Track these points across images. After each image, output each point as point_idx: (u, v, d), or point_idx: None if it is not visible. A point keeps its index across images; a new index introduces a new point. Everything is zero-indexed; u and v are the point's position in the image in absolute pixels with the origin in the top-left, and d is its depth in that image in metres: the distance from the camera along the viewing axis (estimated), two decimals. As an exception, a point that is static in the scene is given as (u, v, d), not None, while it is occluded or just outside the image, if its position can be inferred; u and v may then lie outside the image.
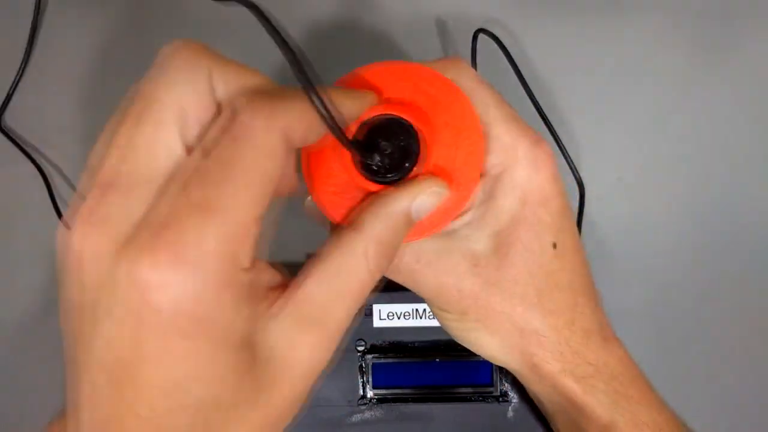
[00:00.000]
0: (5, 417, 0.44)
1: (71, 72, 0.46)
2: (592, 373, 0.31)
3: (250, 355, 0.21)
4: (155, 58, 0.21)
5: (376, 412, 0.40)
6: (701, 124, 0.46)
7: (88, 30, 0.46)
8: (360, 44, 0.46)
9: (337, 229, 0.24)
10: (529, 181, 0.28)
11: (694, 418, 0.44)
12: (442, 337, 0.40)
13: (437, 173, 0.25)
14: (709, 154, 0.46)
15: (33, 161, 0.44)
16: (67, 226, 0.20)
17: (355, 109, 0.24)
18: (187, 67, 0.20)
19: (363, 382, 0.40)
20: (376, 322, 0.40)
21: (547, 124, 0.39)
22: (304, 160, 0.26)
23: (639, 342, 0.44)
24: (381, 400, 0.40)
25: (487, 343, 0.31)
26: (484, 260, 0.29)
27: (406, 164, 0.25)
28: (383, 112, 0.24)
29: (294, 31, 0.46)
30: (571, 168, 0.39)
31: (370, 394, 0.40)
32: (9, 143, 0.45)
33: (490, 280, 0.29)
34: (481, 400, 0.40)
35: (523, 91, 0.39)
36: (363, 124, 0.24)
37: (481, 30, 0.41)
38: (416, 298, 0.40)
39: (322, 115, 0.20)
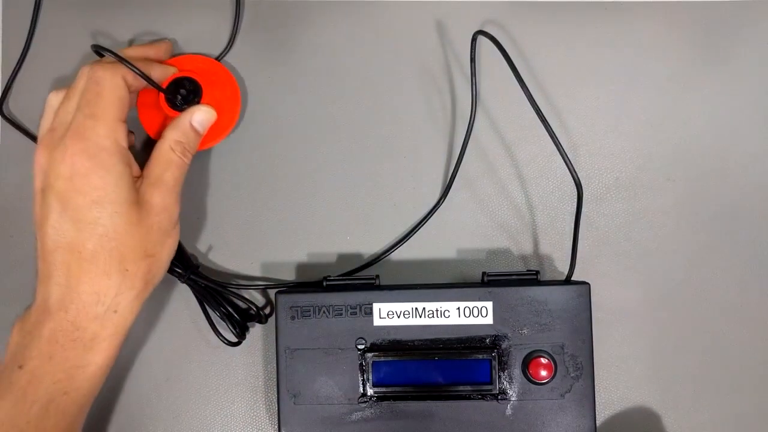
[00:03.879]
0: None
1: (69, 62, 0.46)
2: None
3: (135, 195, 0.39)
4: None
5: (376, 410, 0.40)
6: (697, 125, 0.46)
7: (85, 22, 0.47)
8: (360, 45, 0.46)
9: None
10: None
11: (694, 417, 0.45)
12: (442, 336, 0.40)
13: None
14: (706, 155, 0.46)
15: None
16: None
17: (163, 74, 0.43)
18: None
19: (363, 380, 0.40)
20: (376, 321, 0.40)
21: (545, 125, 0.39)
22: (138, 107, 0.45)
23: (638, 342, 0.45)
24: (381, 398, 0.40)
25: None
26: None
27: (194, 101, 0.43)
28: (181, 74, 0.43)
29: (293, 31, 0.46)
30: (569, 168, 0.39)
31: (370, 392, 0.40)
32: (7, 142, 0.46)
33: None
34: (480, 398, 0.40)
35: (522, 93, 0.39)
36: (171, 81, 0.43)
37: (480, 32, 0.42)
38: (416, 297, 0.40)
39: (144, 77, 0.40)
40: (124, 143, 0.39)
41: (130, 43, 0.46)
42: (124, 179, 0.38)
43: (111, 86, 0.39)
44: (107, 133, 0.38)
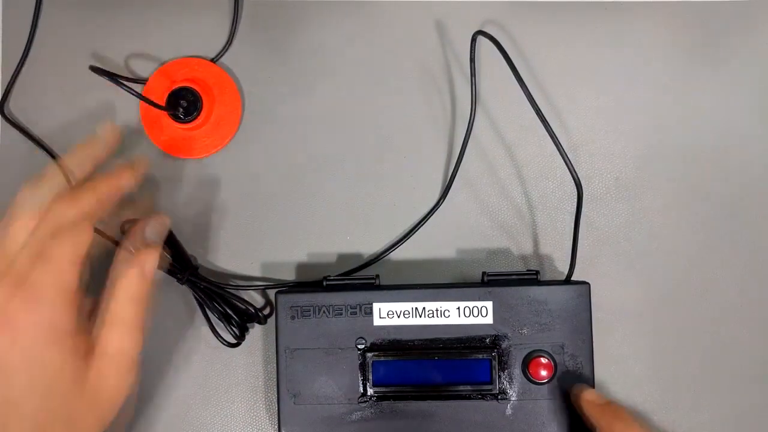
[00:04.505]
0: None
1: (70, 62, 0.46)
2: None
3: (81, 346, 0.34)
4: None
5: (376, 410, 0.40)
6: (697, 125, 0.46)
7: (85, 22, 0.47)
8: (360, 45, 0.47)
9: (113, 273, 0.37)
10: None
11: (694, 417, 0.45)
12: (442, 336, 0.40)
13: (214, 121, 0.45)
14: (706, 155, 0.46)
15: (41, 146, 0.46)
16: None
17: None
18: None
19: (363, 379, 0.40)
20: (376, 321, 0.40)
21: (545, 125, 0.39)
22: (142, 116, 0.46)
23: (638, 342, 0.45)
24: (381, 398, 0.40)
25: None
26: None
27: (194, 113, 0.44)
28: (181, 85, 0.44)
29: (292, 31, 0.47)
30: (569, 168, 0.39)
31: (370, 391, 0.40)
32: (7, 143, 0.46)
33: None
34: (480, 398, 0.40)
35: (522, 93, 0.39)
36: (171, 93, 0.44)
37: (479, 32, 0.42)
38: (416, 297, 0.40)
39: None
40: (74, 286, 0.34)
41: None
42: (68, 330, 0.34)
43: (72, 233, 0.35)
44: (53, 281, 0.34)
